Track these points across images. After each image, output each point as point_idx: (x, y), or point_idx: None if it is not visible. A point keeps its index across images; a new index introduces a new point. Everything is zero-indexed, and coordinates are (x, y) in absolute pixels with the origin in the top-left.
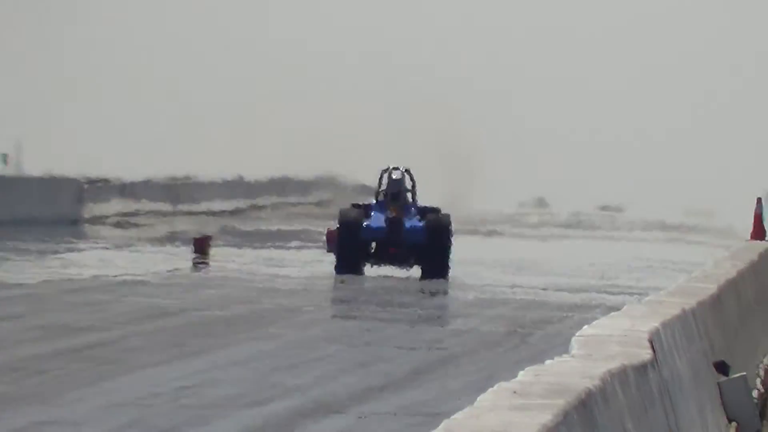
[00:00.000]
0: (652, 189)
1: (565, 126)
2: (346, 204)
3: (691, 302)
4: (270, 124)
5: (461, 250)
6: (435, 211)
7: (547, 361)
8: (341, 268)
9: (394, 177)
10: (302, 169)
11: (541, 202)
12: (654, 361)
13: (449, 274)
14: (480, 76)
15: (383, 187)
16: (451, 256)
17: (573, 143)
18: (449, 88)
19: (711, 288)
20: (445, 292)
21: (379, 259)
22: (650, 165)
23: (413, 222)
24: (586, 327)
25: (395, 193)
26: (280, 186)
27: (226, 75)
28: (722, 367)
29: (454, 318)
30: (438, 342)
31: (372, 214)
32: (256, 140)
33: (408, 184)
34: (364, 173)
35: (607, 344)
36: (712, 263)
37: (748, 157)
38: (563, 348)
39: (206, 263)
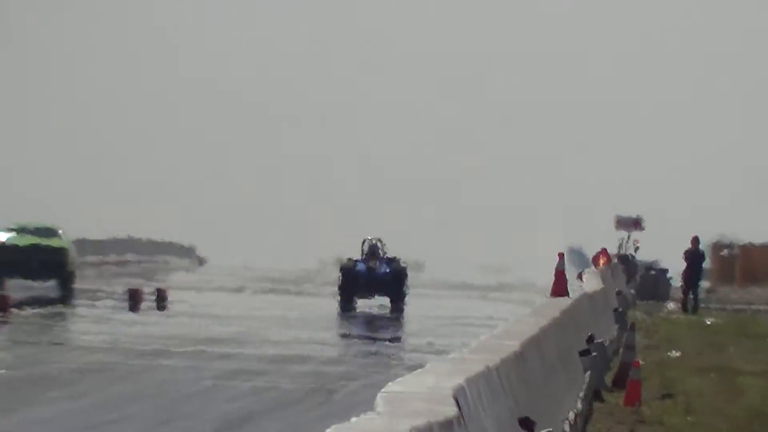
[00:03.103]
0: (449, 246)
1: (367, 183)
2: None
3: (494, 359)
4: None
5: (264, 308)
6: (396, 260)
7: (353, 419)
8: (344, 302)
9: (371, 242)
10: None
11: (340, 261)
12: (459, 418)
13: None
14: None
15: (365, 248)
16: (406, 287)
17: (371, 201)
18: None
19: (514, 345)
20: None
21: (365, 291)
22: (447, 222)
23: (384, 268)
24: (390, 384)
25: (371, 252)
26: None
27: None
28: (527, 424)
29: (256, 375)
30: (242, 398)
31: (358, 264)
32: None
33: (380, 246)
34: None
35: (412, 401)
36: (515, 319)
37: (547, 215)
38: (368, 405)
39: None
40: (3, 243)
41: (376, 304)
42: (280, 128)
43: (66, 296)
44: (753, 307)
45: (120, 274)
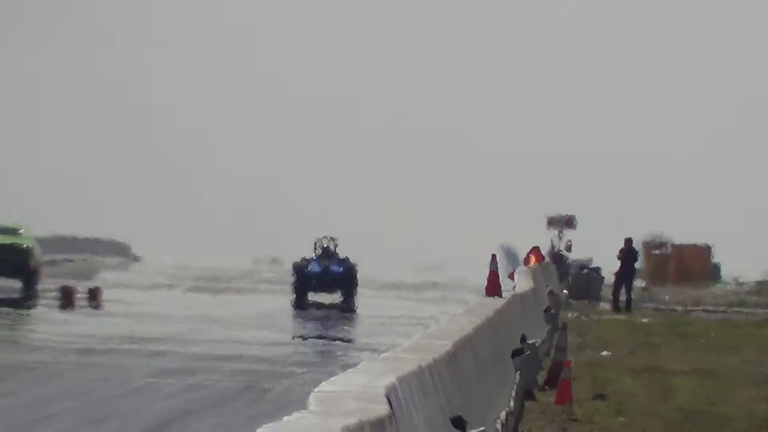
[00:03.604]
0: (383, 246)
1: (301, 185)
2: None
3: (427, 358)
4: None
5: (198, 306)
6: (347, 259)
7: (285, 418)
8: (298, 298)
9: (324, 243)
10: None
11: (275, 260)
12: (391, 417)
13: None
14: None
15: (317, 247)
16: (356, 285)
17: (306, 201)
18: None
19: (447, 344)
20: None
21: (318, 289)
22: (382, 221)
23: (336, 267)
24: (323, 383)
25: (324, 252)
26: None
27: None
28: (459, 423)
29: (189, 373)
30: (175, 396)
31: (312, 263)
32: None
33: (332, 245)
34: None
35: (345, 400)
36: (448, 319)
37: (480, 215)
38: (301, 404)
39: None
40: None
41: (328, 301)
42: (214, 128)
43: (30, 295)
44: (685, 307)
45: (53, 273)
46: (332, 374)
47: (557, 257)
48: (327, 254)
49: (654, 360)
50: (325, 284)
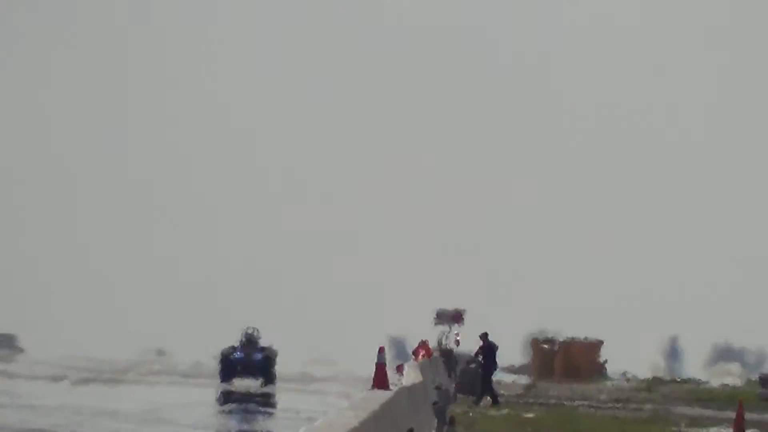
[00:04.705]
0: (275, 338)
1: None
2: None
3: None
4: None
5: (83, 398)
6: (268, 348)
7: None
8: (224, 378)
9: (248, 332)
10: None
11: (160, 351)
12: None
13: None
14: None
15: (242, 337)
16: (275, 371)
17: (191, 294)
18: None
19: None
20: None
21: (242, 374)
22: (271, 315)
23: (257, 355)
24: None
25: (248, 341)
26: None
27: None
28: None
29: None
30: None
31: (238, 350)
32: None
33: (257, 334)
34: None
35: None
36: (335, 412)
37: (369, 307)
38: None
39: None
40: None
41: (250, 386)
42: (94, 209)
43: None
44: (572, 402)
45: None
46: None
47: (446, 352)
48: (250, 342)
49: None
50: (248, 370)
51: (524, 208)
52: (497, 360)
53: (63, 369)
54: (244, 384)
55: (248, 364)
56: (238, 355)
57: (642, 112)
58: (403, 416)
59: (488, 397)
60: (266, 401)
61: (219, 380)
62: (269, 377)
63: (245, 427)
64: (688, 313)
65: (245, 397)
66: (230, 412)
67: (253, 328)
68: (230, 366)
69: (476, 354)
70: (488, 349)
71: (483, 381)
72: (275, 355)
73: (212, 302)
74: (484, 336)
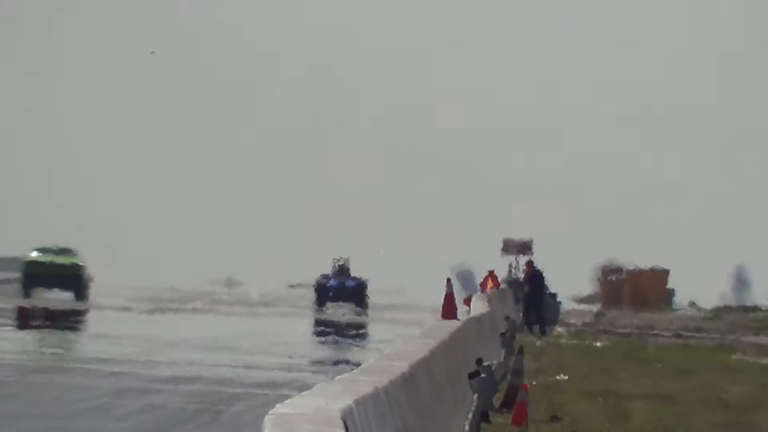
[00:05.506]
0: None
1: (253, 209)
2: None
3: (383, 380)
4: None
5: (154, 327)
6: (359, 278)
7: None
8: (320, 303)
9: (340, 262)
10: None
11: (230, 281)
12: None
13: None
14: None
15: (335, 265)
16: (368, 299)
17: (257, 229)
18: None
19: (403, 366)
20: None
21: (335, 299)
22: (336, 250)
23: (350, 282)
24: (278, 405)
25: (340, 270)
26: None
27: None
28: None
29: (146, 394)
30: (129, 417)
31: (332, 278)
32: None
33: (347, 264)
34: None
35: (300, 423)
36: (404, 341)
37: (436, 239)
38: (255, 426)
39: None
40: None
41: (342, 312)
42: (164, 153)
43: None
44: (641, 331)
45: (5, 292)
46: (287, 396)
47: (514, 282)
48: (342, 271)
49: (610, 384)
50: (341, 296)
51: (591, 139)
52: (547, 285)
53: (132, 299)
54: (338, 312)
55: (342, 291)
56: (332, 282)
57: None
58: (472, 346)
59: (537, 326)
60: (357, 332)
61: (315, 306)
62: (362, 304)
63: (338, 355)
64: (756, 241)
65: (337, 327)
66: (324, 342)
67: (344, 258)
68: (325, 293)
69: (522, 283)
70: (535, 278)
71: (531, 309)
72: (366, 285)
73: (285, 236)
74: (529, 263)
